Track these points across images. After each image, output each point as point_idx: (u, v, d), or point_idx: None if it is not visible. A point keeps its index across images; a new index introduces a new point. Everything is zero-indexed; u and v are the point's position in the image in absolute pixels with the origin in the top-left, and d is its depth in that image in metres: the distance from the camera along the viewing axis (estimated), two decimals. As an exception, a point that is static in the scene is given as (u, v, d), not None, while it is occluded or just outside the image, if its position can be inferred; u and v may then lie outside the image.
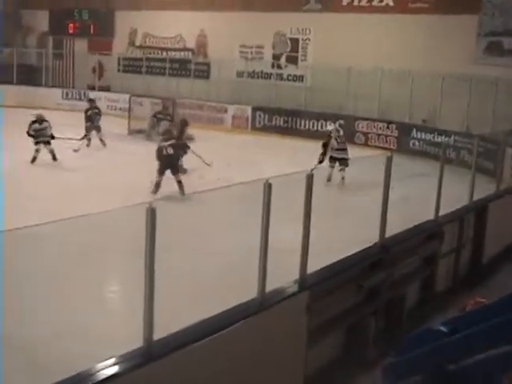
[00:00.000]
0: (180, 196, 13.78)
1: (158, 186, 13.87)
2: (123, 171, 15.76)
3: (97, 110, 20.13)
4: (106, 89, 28.60)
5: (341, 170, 15.85)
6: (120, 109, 25.02)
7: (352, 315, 7.56)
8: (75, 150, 18.37)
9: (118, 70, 29.93)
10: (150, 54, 29.05)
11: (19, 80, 28.92)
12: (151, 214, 4.78)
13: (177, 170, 14.37)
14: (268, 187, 5.90)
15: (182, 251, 9.10)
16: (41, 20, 32.16)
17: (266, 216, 6.01)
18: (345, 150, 16.27)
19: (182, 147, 15.37)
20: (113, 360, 4.95)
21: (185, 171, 15.34)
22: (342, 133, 17.10)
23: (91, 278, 8.51)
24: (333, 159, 16.02)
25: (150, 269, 4.93)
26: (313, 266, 6.99)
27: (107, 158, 18.07)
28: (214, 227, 11.14)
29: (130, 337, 5.33)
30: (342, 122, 18.66)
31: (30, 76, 29.87)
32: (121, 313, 7.91)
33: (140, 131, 21.47)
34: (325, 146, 16.28)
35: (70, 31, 31.38)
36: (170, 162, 14.18)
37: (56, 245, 9.67)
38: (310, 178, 6.48)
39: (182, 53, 28.23)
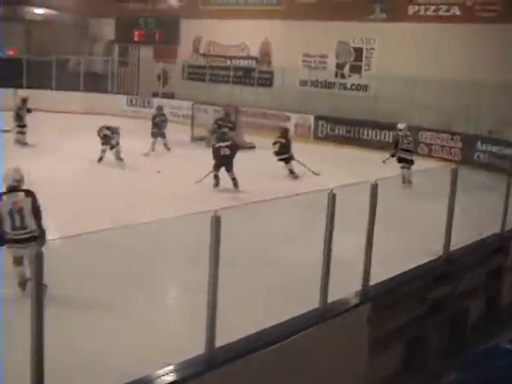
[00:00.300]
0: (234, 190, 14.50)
1: (216, 179, 15.14)
2: (184, 177, 15.90)
3: (164, 117, 20.66)
4: (170, 96, 28.89)
5: (404, 168, 16.55)
6: (183, 116, 25.25)
7: (414, 328, 7.45)
8: (145, 154, 19.11)
9: (182, 78, 30.22)
10: (214, 61, 29.26)
11: (86, 87, 29.48)
12: (216, 222, 4.80)
13: (231, 167, 15.04)
14: (332, 198, 5.87)
15: (242, 261, 9.08)
16: (107, 29, 32.76)
17: (329, 226, 5.98)
18: (411, 151, 16.87)
19: (237, 147, 15.91)
20: (173, 366, 4.98)
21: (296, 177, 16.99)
22: (409, 134, 17.22)
23: (152, 285, 8.57)
24: (401, 159, 16.61)
25: (213, 276, 4.95)
26: (375, 278, 6.93)
27: (170, 163, 18.24)
28: (274, 237, 11.10)
29: (192, 344, 5.35)
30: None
31: (96, 83, 30.42)
32: (182, 320, 7.93)
33: (202, 138, 21.60)
34: (396, 143, 16.97)
35: (136, 39, 31.84)
36: (226, 161, 15.07)
37: (118, 251, 9.76)
38: (374, 188, 6.43)
39: (246, 61, 28.35)
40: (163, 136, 20.20)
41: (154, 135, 20.03)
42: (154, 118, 20.55)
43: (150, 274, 8.85)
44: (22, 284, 7.76)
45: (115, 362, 6.17)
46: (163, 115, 20.78)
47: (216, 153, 15.20)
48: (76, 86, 29.44)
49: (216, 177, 15.09)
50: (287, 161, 17.26)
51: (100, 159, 17.62)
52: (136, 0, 31.82)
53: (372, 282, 6.76)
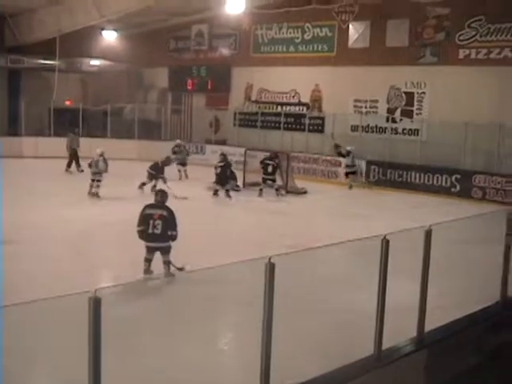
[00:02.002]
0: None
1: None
2: (238, 221, 16.09)
3: (227, 164, 21.20)
4: (222, 142, 29.24)
5: None
6: (235, 162, 25.44)
7: (473, 377, 7.31)
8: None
9: (234, 125, 30.56)
10: (266, 108, 29.57)
11: (140, 134, 30.04)
12: (270, 268, 4.85)
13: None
14: (386, 244, 5.87)
15: (295, 306, 9.07)
16: (161, 77, 33.43)
17: (383, 273, 5.98)
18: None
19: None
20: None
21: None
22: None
23: (206, 330, 8.61)
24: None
25: (267, 321, 4.98)
26: (430, 324, 6.86)
27: (223, 210, 18.41)
28: (327, 283, 11.06)
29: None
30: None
31: (150, 131, 31.00)
32: (236, 364, 7.93)
33: (254, 184, 21.77)
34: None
35: (189, 87, 32.38)
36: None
37: (173, 295, 9.84)
38: (428, 234, 6.41)
39: (297, 107, 28.58)
40: (225, 183, 20.66)
41: (219, 182, 20.61)
42: (217, 165, 20.99)
43: (205, 318, 8.89)
44: None
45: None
46: (226, 161, 21.31)
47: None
48: (130, 133, 30.06)
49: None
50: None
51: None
52: (188, 49, 32.48)
53: (427, 329, 6.69)
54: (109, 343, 5.20)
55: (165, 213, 10.84)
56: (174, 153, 24.16)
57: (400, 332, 6.81)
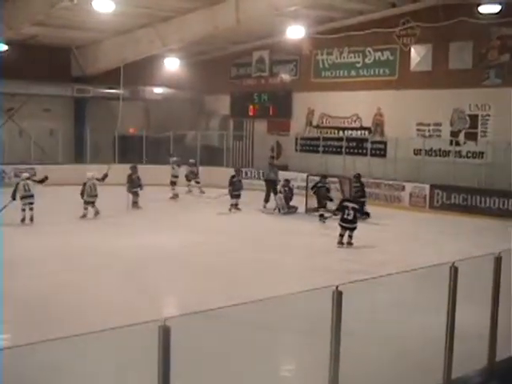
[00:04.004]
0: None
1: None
2: (303, 248, 16.08)
3: (288, 189, 22.38)
4: (284, 168, 29.27)
5: None
6: (297, 187, 25.43)
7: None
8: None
9: (296, 150, 30.61)
10: (327, 133, 29.53)
11: (202, 161, 30.35)
12: (337, 297, 4.81)
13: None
14: (454, 271, 5.76)
15: (361, 334, 8.96)
16: (222, 104, 33.78)
17: (451, 300, 5.86)
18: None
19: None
20: None
21: None
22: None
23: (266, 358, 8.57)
24: None
25: (335, 353, 4.92)
26: (501, 354, 6.68)
27: (287, 237, 18.39)
28: (394, 310, 10.91)
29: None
30: None
31: (212, 157, 31.27)
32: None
33: (317, 209, 21.67)
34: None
35: (250, 113, 32.61)
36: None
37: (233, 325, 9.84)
38: (498, 261, 6.26)
39: (359, 131, 28.46)
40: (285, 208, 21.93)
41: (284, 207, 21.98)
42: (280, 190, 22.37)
43: (269, 346, 8.86)
44: None
45: None
46: (289, 187, 22.53)
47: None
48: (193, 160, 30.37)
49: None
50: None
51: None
52: (250, 76, 32.77)
53: (498, 358, 6.52)
54: (176, 371, 5.23)
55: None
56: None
57: (469, 361, 6.64)
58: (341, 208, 16.78)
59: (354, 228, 16.53)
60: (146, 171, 24.05)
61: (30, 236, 17.34)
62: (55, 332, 7.24)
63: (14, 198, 18.89)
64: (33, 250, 15.24)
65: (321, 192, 20.86)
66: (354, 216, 16.46)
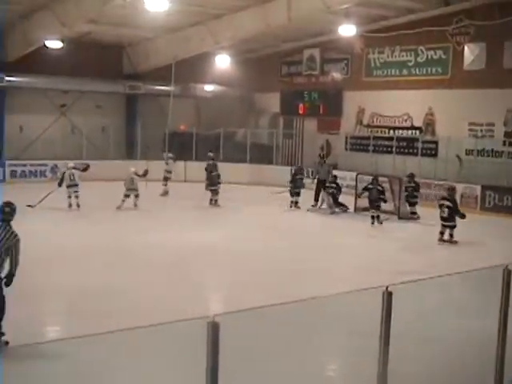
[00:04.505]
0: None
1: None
2: (355, 249, 16.10)
3: (336, 186, 22.80)
4: (334, 166, 29.14)
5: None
6: (347, 186, 25.32)
7: None
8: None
9: (346, 149, 30.46)
10: (377, 132, 29.33)
11: (252, 159, 30.43)
12: (387, 297, 4.77)
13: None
14: (507, 274, 5.67)
15: (409, 336, 8.90)
16: (273, 102, 33.77)
17: (504, 303, 5.77)
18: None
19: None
20: None
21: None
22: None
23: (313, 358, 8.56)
24: None
25: (384, 353, 4.89)
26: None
27: (337, 237, 18.36)
28: (443, 313, 10.81)
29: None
30: None
31: (261, 155, 31.32)
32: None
33: (366, 209, 21.56)
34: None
35: (300, 112, 32.55)
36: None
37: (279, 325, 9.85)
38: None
39: (410, 131, 28.20)
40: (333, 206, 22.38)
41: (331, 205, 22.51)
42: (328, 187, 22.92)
43: (315, 347, 8.85)
44: None
45: None
46: (337, 184, 23.03)
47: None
48: (242, 157, 30.48)
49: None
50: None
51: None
52: (300, 74, 32.73)
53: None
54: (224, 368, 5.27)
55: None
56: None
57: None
58: (438, 206, 17.36)
59: (451, 226, 17.00)
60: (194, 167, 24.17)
61: (82, 229, 17.69)
62: (106, 326, 7.36)
63: (60, 185, 20.56)
64: (83, 244, 15.51)
65: (372, 193, 20.61)
66: (450, 214, 16.85)
